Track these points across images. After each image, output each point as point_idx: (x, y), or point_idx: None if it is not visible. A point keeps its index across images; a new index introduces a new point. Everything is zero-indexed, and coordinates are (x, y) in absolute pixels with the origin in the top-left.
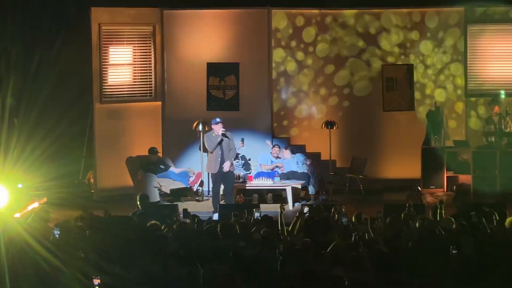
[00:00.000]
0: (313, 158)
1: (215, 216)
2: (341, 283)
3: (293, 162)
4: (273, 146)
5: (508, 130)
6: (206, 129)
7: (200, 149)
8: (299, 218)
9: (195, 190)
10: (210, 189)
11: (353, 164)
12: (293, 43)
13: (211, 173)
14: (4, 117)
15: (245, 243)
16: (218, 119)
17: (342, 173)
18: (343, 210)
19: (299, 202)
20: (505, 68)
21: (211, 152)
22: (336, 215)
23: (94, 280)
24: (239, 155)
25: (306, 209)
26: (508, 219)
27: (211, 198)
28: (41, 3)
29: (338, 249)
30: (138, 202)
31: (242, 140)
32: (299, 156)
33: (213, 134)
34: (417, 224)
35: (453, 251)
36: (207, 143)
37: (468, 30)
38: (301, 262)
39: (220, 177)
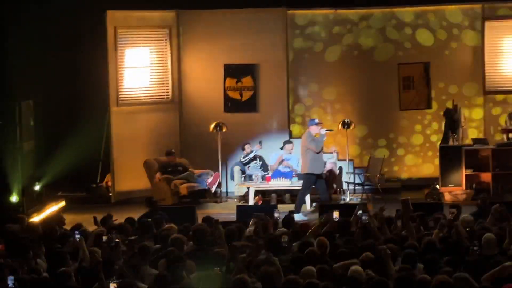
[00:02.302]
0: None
1: (297, 217)
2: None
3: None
4: (288, 142)
5: None
6: (224, 130)
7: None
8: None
9: (213, 191)
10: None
11: (370, 163)
12: (310, 43)
13: (314, 174)
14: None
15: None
16: (317, 120)
17: (360, 173)
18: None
19: (316, 202)
20: None
21: (318, 153)
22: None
23: (111, 285)
24: (257, 156)
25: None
26: None
27: (298, 199)
28: (57, 6)
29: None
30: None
31: (260, 142)
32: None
33: (314, 135)
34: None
35: (475, 248)
36: (313, 144)
37: (486, 26)
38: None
39: (316, 177)
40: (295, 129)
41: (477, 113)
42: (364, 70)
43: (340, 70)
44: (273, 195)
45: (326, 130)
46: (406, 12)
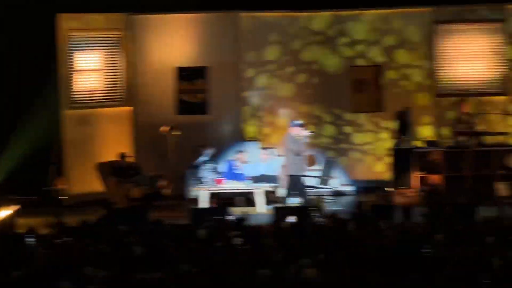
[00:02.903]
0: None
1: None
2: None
3: (266, 166)
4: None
5: (479, 129)
6: (177, 133)
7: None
8: None
9: (166, 194)
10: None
11: (324, 165)
12: (263, 47)
13: (297, 174)
14: None
15: None
16: (299, 121)
17: (314, 175)
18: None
19: (271, 205)
20: (474, 68)
21: (299, 155)
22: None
23: None
24: (210, 159)
25: None
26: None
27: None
28: (7, 8)
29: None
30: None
31: (213, 145)
32: (275, 162)
33: (296, 137)
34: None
35: (425, 250)
36: (295, 146)
37: (437, 29)
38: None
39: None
40: (248, 131)
41: (429, 116)
42: (316, 72)
43: (293, 72)
44: (238, 197)
45: (308, 131)
46: (356, 15)
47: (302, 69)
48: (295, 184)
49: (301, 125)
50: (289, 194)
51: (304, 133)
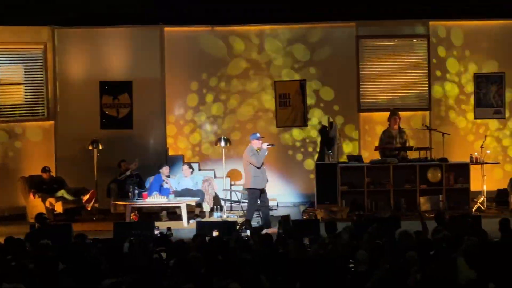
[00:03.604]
0: (208, 175)
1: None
2: None
3: (189, 180)
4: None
5: (407, 144)
6: (100, 147)
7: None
8: None
9: (89, 209)
10: (245, 204)
11: None
12: (188, 61)
13: (257, 189)
14: None
15: None
16: (258, 134)
17: (237, 190)
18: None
19: (194, 219)
20: (398, 83)
21: (259, 167)
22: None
23: None
24: (134, 174)
25: None
26: (398, 231)
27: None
28: None
29: None
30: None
31: (137, 160)
32: (199, 176)
33: (256, 149)
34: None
35: (350, 265)
36: (254, 158)
37: (360, 44)
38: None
39: (260, 191)
40: (173, 146)
41: (352, 130)
42: (240, 86)
43: (218, 87)
44: (164, 212)
45: (268, 145)
46: (283, 29)
47: (228, 84)
48: (253, 198)
49: (259, 138)
50: (250, 207)
51: (264, 146)
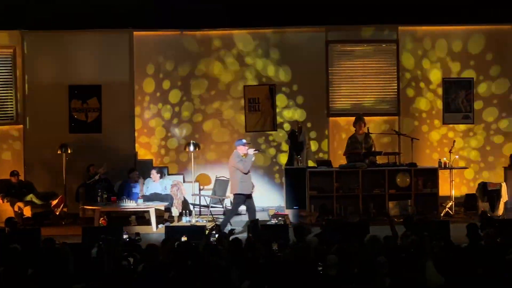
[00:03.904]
0: (177, 179)
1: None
2: None
3: (158, 185)
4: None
5: (373, 149)
6: (69, 151)
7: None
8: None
9: (58, 213)
10: (228, 208)
11: (216, 185)
12: (157, 65)
13: (243, 194)
14: None
15: None
16: (244, 140)
17: (206, 194)
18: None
19: (163, 224)
20: (367, 88)
21: (246, 173)
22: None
23: None
24: (102, 178)
25: None
26: (367, 236)
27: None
28: None
29: None
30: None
31: (105, 164)
32: (167, 181)
33: (242, 155)
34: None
35: (320, 269)
36: (241, 164)
37: (330, 49)
38: None
39: (246, 197)
40: (141, 151)
41: (322, 135)
42: (209, 90)
43: (189, 92)
44: (133, 216)
45: (254, 150)
46: (253, 34)
47: (197, 88)
48: (237, 203)
49: (246, 144)
50: (230, 212)
51: (250, 151)
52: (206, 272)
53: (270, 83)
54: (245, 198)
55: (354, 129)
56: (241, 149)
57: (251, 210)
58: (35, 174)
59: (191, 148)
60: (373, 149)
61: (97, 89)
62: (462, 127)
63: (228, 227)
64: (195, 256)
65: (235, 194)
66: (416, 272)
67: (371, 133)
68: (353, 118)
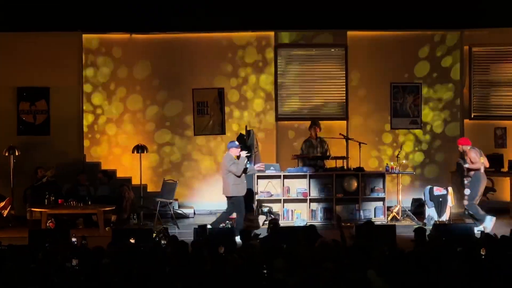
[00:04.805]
0: (124, 182)
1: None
2: None
3: (106, 187)
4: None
5: (328, 154)
6: (17, 153)
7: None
8: None
9: (5, 215)
10: (226, 212)
11: (164, 187)
12: (106, 67)
13: (239, 196)
14: None
15: None
16: (237, 142)
17: (153, 197)
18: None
19: (110, 226)
20: (315, 92)
21: (239, 176)
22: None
23: None
24: (51, 180)
25: None
26: (318, 240)
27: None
28: None
29: None
30: None
31: (54, 167)
32: (115, 184)
33: (235, 157)
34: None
35: (264, 271)
36: (234, 167)
37: (278, 53)
38: None
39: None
40: (91, 152)
41: (271, 138)
42: (159, 92)
43: (139, 93)
44: (80, 219)
45: (246, 153)
46: (203, 37)
47: (147, 90)
48: (239, 205)
49: (238, 146)
50: (238, 215)
51: (242, 153)
52: (153, 275)
53: (218, 87)
54: (243, 199)
55: (309, 133)
56: (234, 151)
57: (226, 213)
58: None
59: (139, 150)
60: (328, 154)
61: (45, 91)
62: (409, 132)
63: (254, 232)
64: (142, 260)
65: (231, 197)
66: (362, 278)
67: (321, 137)
68: (301, 122)
